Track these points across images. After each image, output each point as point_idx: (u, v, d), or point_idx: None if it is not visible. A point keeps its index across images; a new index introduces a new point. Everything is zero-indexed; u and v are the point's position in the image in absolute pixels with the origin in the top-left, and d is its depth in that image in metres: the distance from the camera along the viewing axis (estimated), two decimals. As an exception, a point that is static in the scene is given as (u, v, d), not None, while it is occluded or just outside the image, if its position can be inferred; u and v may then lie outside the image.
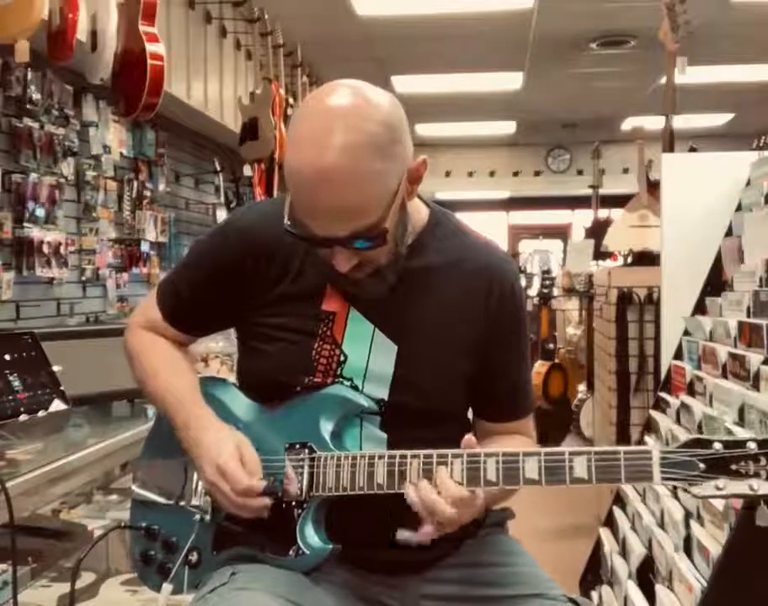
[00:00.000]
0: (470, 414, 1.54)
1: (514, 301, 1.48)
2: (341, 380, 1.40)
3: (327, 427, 1.38)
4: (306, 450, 1.37)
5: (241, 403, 1.48)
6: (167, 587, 1.45)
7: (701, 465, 1.17)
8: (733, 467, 1.15)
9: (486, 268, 1.47)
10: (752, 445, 1.15)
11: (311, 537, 1.36)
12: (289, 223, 1.32)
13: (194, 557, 1.45)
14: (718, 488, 1.16)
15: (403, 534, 1.30)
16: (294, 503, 1.37)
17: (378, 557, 1.42)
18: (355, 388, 1.40)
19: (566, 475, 1.23)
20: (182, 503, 1.48)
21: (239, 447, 1.38)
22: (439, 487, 1.27)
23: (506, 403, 1.50)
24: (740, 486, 1.15)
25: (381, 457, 1.32)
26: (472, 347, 1.44)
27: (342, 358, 1.41)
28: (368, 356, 1.40)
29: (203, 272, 1.50)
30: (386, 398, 1.40)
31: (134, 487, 1.59)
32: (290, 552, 1.37)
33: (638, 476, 1.20)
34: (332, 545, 1.36)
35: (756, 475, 1.14)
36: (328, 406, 1.39)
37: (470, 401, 1.49)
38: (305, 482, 1.36)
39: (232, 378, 1.57)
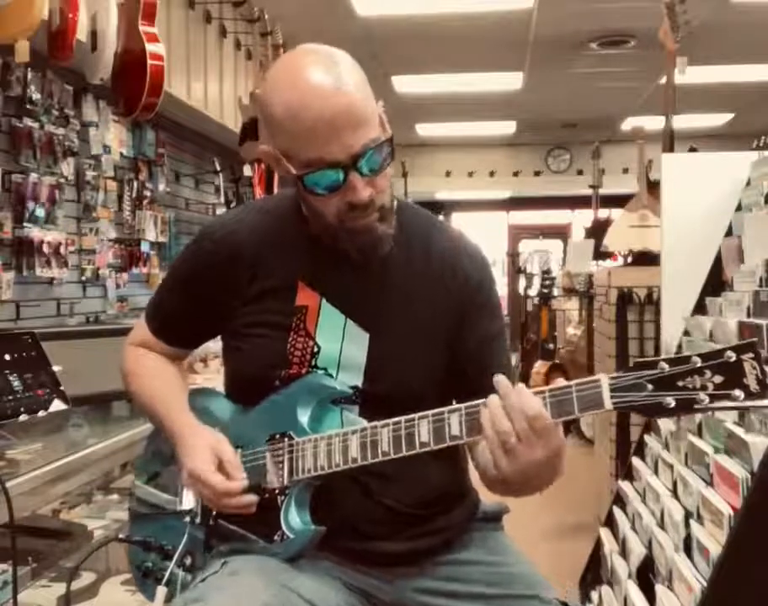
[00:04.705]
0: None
1: (481, 280, 1.52)
2: (315, 369, 1.44)
3: (304, 415, 1.42)
4: (286, 439, 1.41)
5: (224, 407, 1.53)
6: (161, 589, 1.47)
7: (649, 386, 1.17)
8: (680, 384, 1.16)
9: (450, 251, 1.51)
10: (696, 360, 1.16)
11: (294, 520, 1.40)
12: (303, 173, 1.34)
13: (188, 560, 1.47)
14: (668, 406, 1.16)
15: None
16: (277, 491, 1.41)
17: (365, 549, 1.44)
18: (330, 376, 1.44)
19: None
20: (175, 509, 1.51)
21: (215, 451, 1.41)
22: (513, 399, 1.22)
23: (486, 380, 1.45)
24: (688, 401, 1.16)
25: (354, 432, 1.36)
26: (443, 331, 1.47)
27: (315, 349, 1.44)
28: (341, 345, 1.44)
29: (184, 282, 1.56)
30: (359, 385, 1.43)
31: (135, 490, 1.61)
32: (276, 537, 1.40)
33: (590, 405, 1.20)
34: (315, 527, 1.39)
35: (703, 388, 1.15)
36: (304, 394, 1.43)
37: (449, 385, 1.49)
38: (285, 469, 1.40)
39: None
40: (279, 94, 1.34)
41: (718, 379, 1.14)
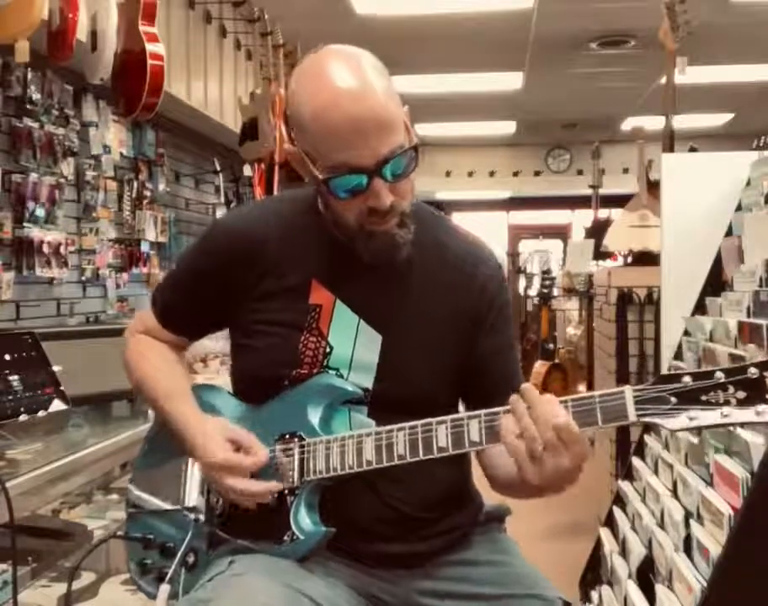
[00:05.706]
0: (459, 403, 1.54)
1: (498, 287, 1.52)
2: (327, 370, 1.43)
3: (315, 415, 1.40)
4: (296, 439, 1.40)
5: (230, 405, 1.51)
6: (164, 587, 1.45)
7: (673, 399, 1.18)
8: (704, 398, 1.17)
9: (468, 256, 1.51)
10: (720, 375, 1.17)
11: (304, 521, 1.39)
12: (327, 177, 1.34)
13: (190, 558, 1.46)
14: (690, 419, 1.17)
15: None
16: (287, 491, 1.40)
17: (372, 550, 1.43)
18: (341, 377, 1.43)
19: None
20: (177, 507, 1.50)
21: (226, 435, 1.40)
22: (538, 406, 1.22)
23: (499, 388, 1.45)
24: (711, 416, 1.17)
25: (368, 434, 1.35)
26: (457, 336, 1.47)
27: (328, 350, 1.43)
28: (353, 346, 1.43)
29: (193, 274, 1.54)
30: (370, 387, 1.42)
31: (129, 494, 1.59)
32: (285, 538, 1.39)
33: (614, 417, 1.20)
34: (325, 528, 1.38)
35: (726, 403, 1.16)
36: (314, 394, 1.41)
37: (460, 389, 1.50)
38: (296, 469, 1.39)
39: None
40: (305, 96, 1.34)
41: (741, 394, 1.16)
